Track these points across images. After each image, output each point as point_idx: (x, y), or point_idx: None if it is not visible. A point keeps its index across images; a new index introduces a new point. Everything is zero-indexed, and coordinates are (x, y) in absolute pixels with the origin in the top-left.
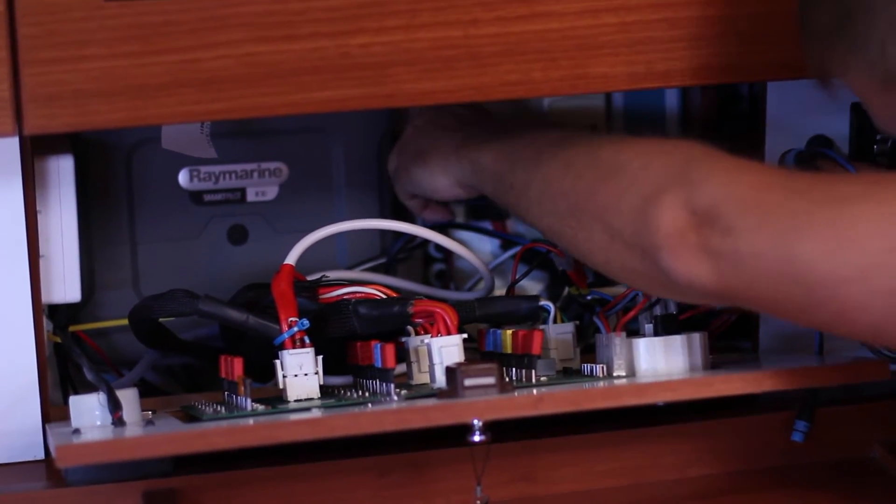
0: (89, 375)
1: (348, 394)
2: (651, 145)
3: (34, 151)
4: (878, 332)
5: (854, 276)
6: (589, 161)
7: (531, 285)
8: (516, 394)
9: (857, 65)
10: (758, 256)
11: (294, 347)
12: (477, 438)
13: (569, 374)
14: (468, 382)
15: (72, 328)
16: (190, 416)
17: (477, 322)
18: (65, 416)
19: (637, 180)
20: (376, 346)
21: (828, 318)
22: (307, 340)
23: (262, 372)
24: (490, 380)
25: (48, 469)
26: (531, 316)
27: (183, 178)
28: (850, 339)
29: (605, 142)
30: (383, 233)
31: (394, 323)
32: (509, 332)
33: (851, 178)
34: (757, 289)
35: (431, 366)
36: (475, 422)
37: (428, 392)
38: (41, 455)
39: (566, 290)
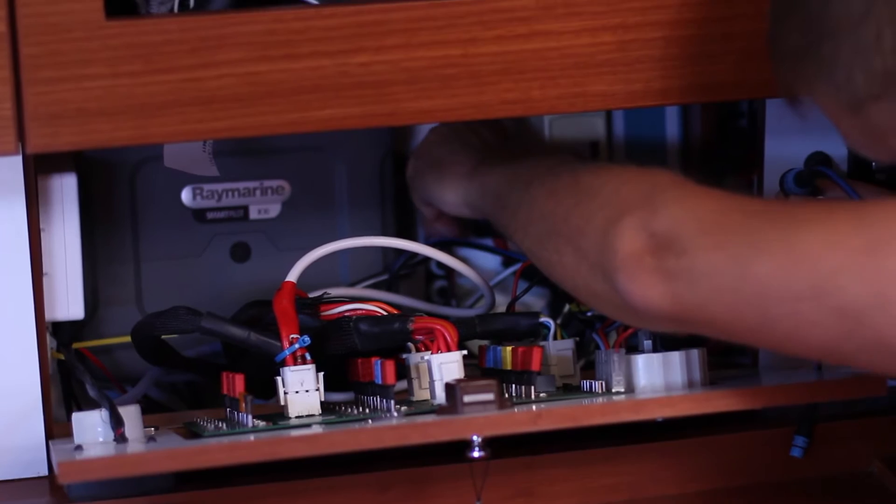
0: (92, 392)
1: (349, 410)
2: (627, 172)
3: (37, 170)
4: (829, 352)
5: (806, 295)
6: (570, 186)
7: (532, 302)
8: (515, 410)
9: (824, 88)
10: (712, 276)
11: (295, 364)
12: (476, 454)
13: (568, 390)
14: (467, 399)
15: (75, 345)
16: (192, 432)
17: (477, 338)
18: (68, 433)
19: (605, 204)
20: (377, 362)
21: (781, 336)
22: (308, 357)
23: (264, 388)
24: (489, 396)
25: (51, 485)
26: (531, 332)
27: (186, 196)
28: (803, 359)
29: (588, 168)
30: (385, 250)
31: (394, 339)
32: (509, 348)
33: (807, 203)
34: (711, 310)
35: (431, 382)
36: (474, 438)
37: (428, 408)
38: (44, 471)
39: (566, 306)
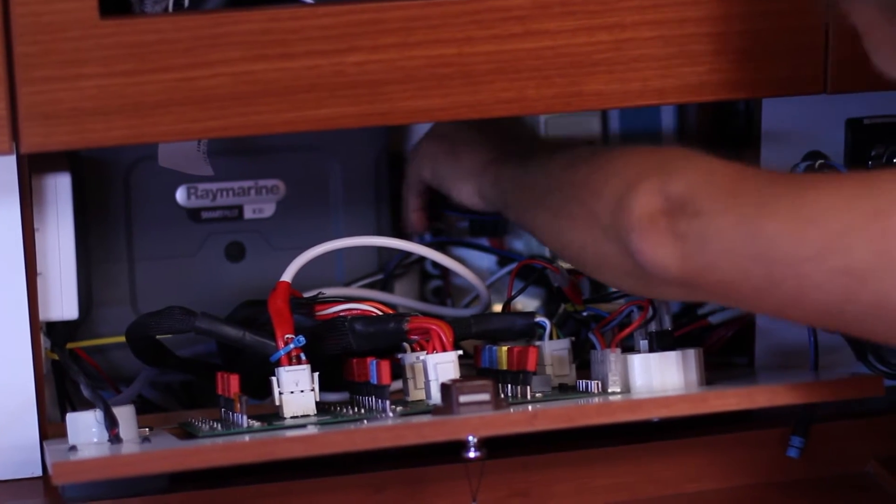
0: (86, 392)
1: (344, 410)
2: (644, 148)
3: (31, 169)
4: (830, 316)
5: (812, 255)
6: (587, 158)
7: (528, 302)
8: (511, 410)
9: None
10: (721, 236)
11: (290, 364)
12: (472, 455)
13: (564, 390)
14: (463, 399)
15: (69, 345)
16: (186, 432)
17: (473, 338)
18: (62, 433)
19: (622, 169)
20: (372, 362)
21: (784, 298)
22: (303, 357)
23: (259, 388)
24: (485, 396)
25: (45, 486)
26: (526, 332)
27: (180, 195)
28: (805, 323)
29: (608, 147)
30: (380, 249)
31: (389, 339)
32: (505, 348)
33: (817, 172)
34: (718, 270)
35: (427, 382)
36: (470, 438)
37: (423, 408)
38: (39, 472)
39: (562, 306)
